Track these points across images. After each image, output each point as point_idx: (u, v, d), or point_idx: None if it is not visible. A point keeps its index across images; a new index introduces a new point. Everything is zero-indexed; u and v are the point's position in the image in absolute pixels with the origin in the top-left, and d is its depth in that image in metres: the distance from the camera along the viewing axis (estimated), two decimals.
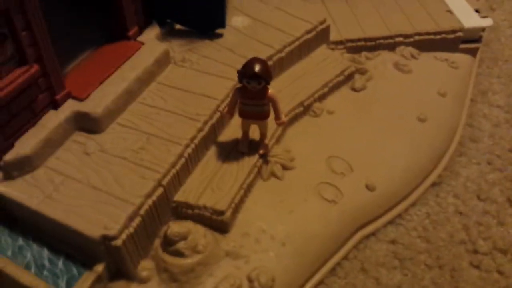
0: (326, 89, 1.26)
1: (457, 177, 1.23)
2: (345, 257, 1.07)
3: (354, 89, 1.30)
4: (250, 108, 1.01)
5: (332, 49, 1.37)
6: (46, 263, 0.89)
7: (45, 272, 0.88)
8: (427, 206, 1.17)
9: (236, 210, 1.01)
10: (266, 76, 0.95)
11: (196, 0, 1.19)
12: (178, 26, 1.26)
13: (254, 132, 1.09)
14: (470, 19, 1.46)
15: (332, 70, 1.29)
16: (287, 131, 1.19)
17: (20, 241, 0.92)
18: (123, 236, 0.86)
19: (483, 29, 1.48)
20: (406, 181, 1.16)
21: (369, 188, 1.11)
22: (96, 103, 0.99)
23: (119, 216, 0.87)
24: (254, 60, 0.96)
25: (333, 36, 1.38)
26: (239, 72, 0.96)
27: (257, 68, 0.94)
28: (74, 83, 1.01)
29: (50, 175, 0.93)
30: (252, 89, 0.97)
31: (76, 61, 1.07)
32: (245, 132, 1.08)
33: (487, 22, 1.46)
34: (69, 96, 0.99)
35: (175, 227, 0.93)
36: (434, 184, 1.21)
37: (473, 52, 1.49)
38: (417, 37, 1.41)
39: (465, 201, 1.18)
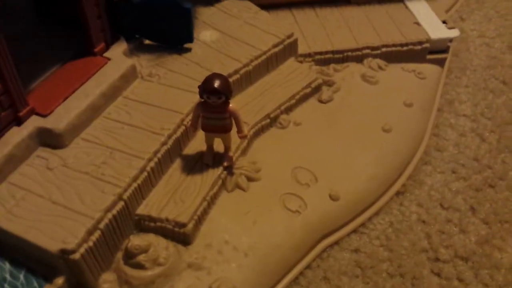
0: (293, 101, 1.29)
1: (421, 186, 1.25)
2: (308, 266, 1.09)
3: (321, 101, 1.33)
4: (212, 122, 1.03)
5: (301, 61, 1.39)
6: (8, 276, 0.91)
7: (6, 286, 0.90)
8: (391, 215, 1.19)
9: (199, 222, 1.03)
10: (225, 91, 0.98)
11: (163, 16, 1.22)
12: (146, 41, 1.28)
13: (220, 145, 1.11)
14: (437, 30, 1.49)
15: (299, 82, 1.32)
16: (254, 143, 1.21)
17: None
18: (82, 250, 0.87)
19: (450, 40, 1.51)
20: (370, 190, 1.18)
21: (333, 198, 1.13)
22: (59, 118, 1.01)
23: (77, 230, 0.88)
24: (213, 76, 0.98)
25: (302, 49, 1.41)
26: (199, 87, 0.99)
27: (216, 83, 0.96)
28: (38, 100, 1.03)
29: (12, 190, 0.95)
30: (213, 103, 0.99)
31: (41, 78, 1.09)
32: (209, 145, 1.10)
33: (453, 33, 1.50)
34: (32, 112, 1.01)
35: (135, 240, 0.95)
36: (398, 193, 1.23)
37: (441, 63, 1.52)
38: (384, 49, 1.44)
39: (428, 210, 1.20)
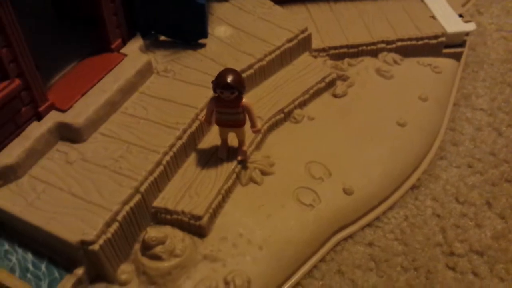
0: (307, 96, 1.29)
1: (437, 180, 1.25)
2: (322, 259, 1.09)
3: (335, 96, 1.33)
4: (226, 116, 1.05)
5: (315, 56, 1.40)
6: (30, 266, 0.94)
7: (28, 275, 0.93)
8: (406, 209, 1.19)
9: (214, 215, 1.04)
10: (238, 86, 0.99)
11: (178, 12, 1.23)
12: (162, 37, 1.30)
13: (234, 139, 1.13)
14: (453, 24, 1.48)
15: (313, 77, 1.32)
16: (268, 137, 1.23)
17: (6, 246, 0.96)
18: (100, 241, 0.90)
19: (466, 34, 1.49)
20: (384, 185, 1.18)
21: (347, 192, 1.14)
22: (78, 113, 1.04)
23: (96, 222, 0.91)
24: (226, 71, 0.99)
25: (316, 43, 1.41)
26: (213, 82, 1.00)
27: (229, 78, 0.98)
28: (57, 95, 1.06)
29: (33, 184, 0.97)
30: (226, 98, 1.00)
31: (60, 74, 1.12)
32: (224, 140, 1.12)
33: (470, 27, 1.48)
34: (52, 107, 1.04)
35: (152, 232, 0.97)
36: (413, 187, 1.23)
37: (457, 57, 1.51)
38: (399, 43, 1.44)
39: (444, 204, 1.20)
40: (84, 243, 0.89)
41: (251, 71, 1.25)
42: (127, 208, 0.95)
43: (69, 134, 1.04)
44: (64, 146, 1.05)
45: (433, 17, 1.51)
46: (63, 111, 1.05)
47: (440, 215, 1.17)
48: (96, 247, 0.90)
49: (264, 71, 1.29)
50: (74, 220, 0.92)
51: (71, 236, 0.90)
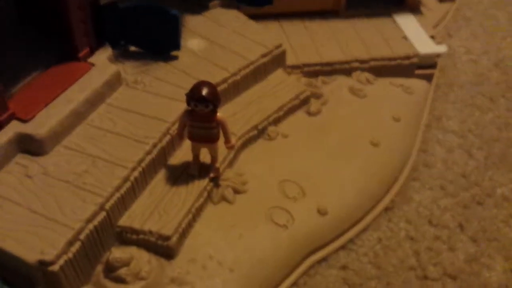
0: (281, 113, 1.27)
1: (410, 202, 1.24)
2: (295, 283, 1.06)
3: (309, 113, 1.31)
4: (199, 131, 1.00)
5: (289, 73, 1.38)
6: None
7: None
8: (379, 231, 1.17)
9: (183, 235, 0.99)
10: (213, 100, 0.95)
11: (150, 22, 1.19)
12: (132, 48, 1.25)
13: (206, 155, 1.08)
14: (425, 45, 1.49)
15: (287, 94, 1.30)
16: (241, 154, 1.19)
17: None
18: (61, 261, 0.84)
19: (438, 55, 1.51)
20: (358, 205, 1.16)
21: (321, 212, 1.11)
22: (40, 124, 0.97)
23: (57, 241, 0.84)
24: (201, 84, 0.96)
25: (290, 60, 1.39)
26: (187, 95, 0.96)
27: (204, 91, 0.94)
28: (19, 104, 0.99)
29: None
30: (200, 112, 0.96)
31: (23, 82, 1.05)
32: (196, 155, 1.07)
33: (441, 49, 1.50)
34: (13, 117, 0.97)
35: (117, 253, 0.91)
36: (386, 209, 1.21)
37: (428, 78, 1.52)
38: (372, 63, 1.44)
39: (417, 227, 1.18)
40: (43, 263, 0.83)
41: (225, 85, 1.21)
42: (90, 226, 0.89)
43: (30, 146, 0.97)
44: (24, 159, 0.98)
45: (405, 38, 1.52)
46: (24, 121, 0.98)
47: (414, 237, 1.16)
48: (56, 267, 0.83)
49: (238, 86, 1.25)
50: (33, 238, 0.85)
51: (29, 255, 0.83)
